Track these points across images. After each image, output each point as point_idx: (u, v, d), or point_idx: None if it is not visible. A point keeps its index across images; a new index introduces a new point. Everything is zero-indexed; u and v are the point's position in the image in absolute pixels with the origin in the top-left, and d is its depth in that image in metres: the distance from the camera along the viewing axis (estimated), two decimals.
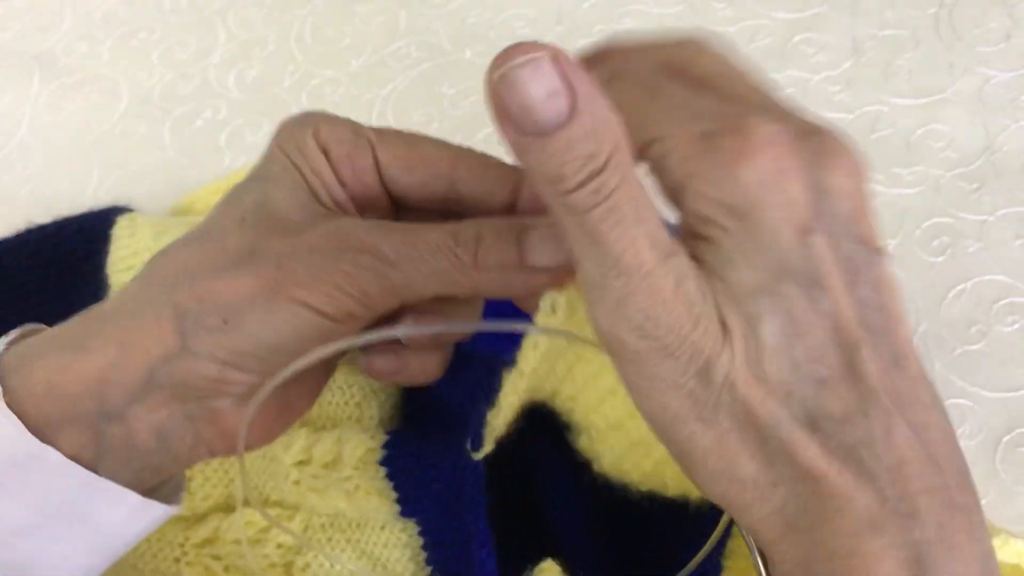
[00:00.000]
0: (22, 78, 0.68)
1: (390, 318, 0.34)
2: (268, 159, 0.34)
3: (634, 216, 0.23)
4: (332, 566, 0.43)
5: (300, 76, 0.66)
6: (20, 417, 0.30)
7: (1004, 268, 0.55)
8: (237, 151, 0.62)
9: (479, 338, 0.37)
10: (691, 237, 0.25)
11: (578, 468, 0.38)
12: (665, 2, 0.66)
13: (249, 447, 0.34)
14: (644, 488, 0.39)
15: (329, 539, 0.44)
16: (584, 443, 0.36)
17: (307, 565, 0.44)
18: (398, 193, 0.34)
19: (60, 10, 0.71)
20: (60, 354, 0.32)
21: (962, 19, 0.62)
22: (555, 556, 0.41)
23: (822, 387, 0.24)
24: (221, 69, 0.67)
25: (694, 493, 0.39)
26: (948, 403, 0.28)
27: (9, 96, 0.67)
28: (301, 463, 0.43)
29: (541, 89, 0.21)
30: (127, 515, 0.33)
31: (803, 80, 0.61)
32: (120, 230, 0.49)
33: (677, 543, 0.40)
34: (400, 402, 0.46)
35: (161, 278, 0.32)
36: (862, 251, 0.25)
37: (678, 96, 0.27)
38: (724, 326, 0.24)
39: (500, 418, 0.33)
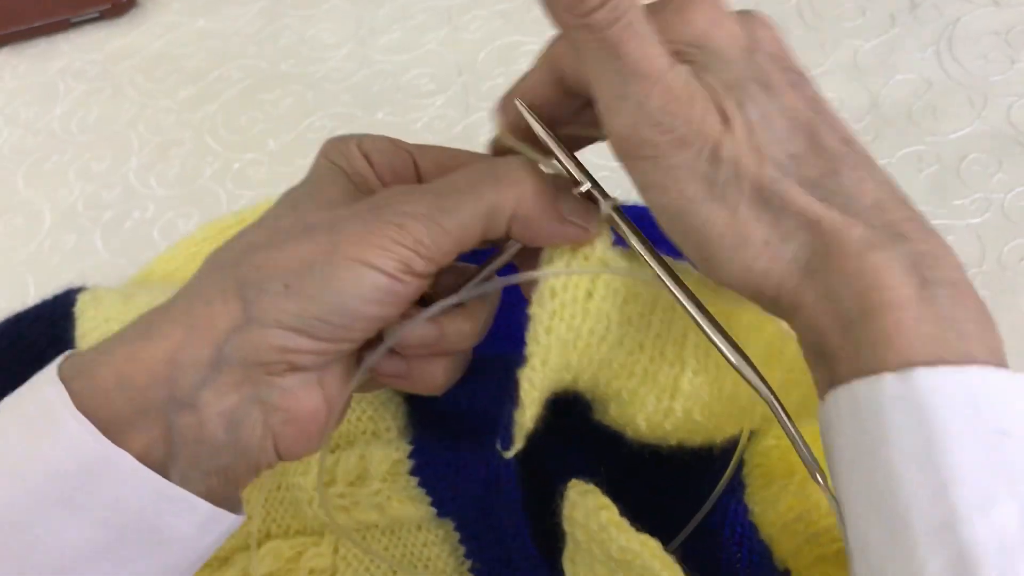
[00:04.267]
0: None
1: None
2: (313, 167, 0.36)
3: (645, 30, 0.29)
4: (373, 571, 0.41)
5: (221, 164, 0.67)
6: (90, 419, 0.29)
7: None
8: (172, 240, 0.62)
9: (493, 342, 0.38)
10: None
11: (609, 444, 0.38)
12: None
13: (294, 455, 0.34)
14: (674, 440, 0.39)
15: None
16: (615, 410, 0.36)
17: None
18: None
19: None
20: (128, 345, 0.31)
21: (821, 4, 0.69)
22: None
23: (796, 159, 0.29)
24: (141, 173, 0.67)
25: (717, 439, 0.39)
26: None
27: None
28: (325, 485, 0.42)
29: None
30: (199, 527, 0.32)
31: None
32: (83, 305, 0.48)
33: (703, 483, 0.40)
34: (412, 411, 0.45)
35: (221, 263, 0.32)
36: (794, 74, 0.31)
37: None
38: (723, 113, 0.29)
39: (526, 415, 0.33)
